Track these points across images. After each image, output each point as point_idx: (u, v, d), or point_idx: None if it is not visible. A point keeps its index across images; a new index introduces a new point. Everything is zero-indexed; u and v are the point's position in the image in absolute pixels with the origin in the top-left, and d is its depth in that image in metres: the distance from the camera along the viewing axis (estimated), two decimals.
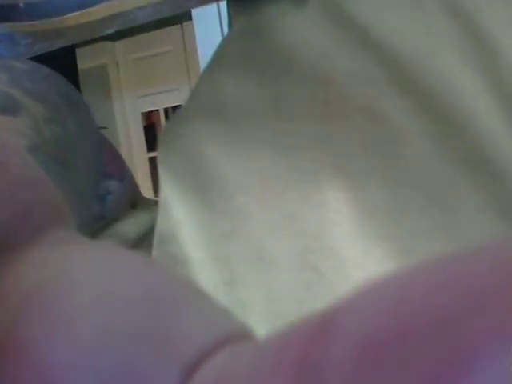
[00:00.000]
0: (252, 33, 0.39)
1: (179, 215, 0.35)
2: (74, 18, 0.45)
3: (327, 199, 0.32)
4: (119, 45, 2.05)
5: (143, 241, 0.41)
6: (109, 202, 0.42)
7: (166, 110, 2.13)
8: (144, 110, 2.13)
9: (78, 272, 0.15)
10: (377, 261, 0.31)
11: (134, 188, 0.45)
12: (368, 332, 0.10)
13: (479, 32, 0.33)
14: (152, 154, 2.14)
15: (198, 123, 0.36)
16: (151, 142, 2.16)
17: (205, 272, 0.34)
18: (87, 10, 0.42)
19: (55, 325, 0.14)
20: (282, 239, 0.32)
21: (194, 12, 1.59)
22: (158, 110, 2.13)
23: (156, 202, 0.39)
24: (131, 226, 0.42)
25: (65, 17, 0.44)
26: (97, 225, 0.41)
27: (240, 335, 0.14)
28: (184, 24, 1.97)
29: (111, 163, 0.43)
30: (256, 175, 0.34)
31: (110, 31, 0.47)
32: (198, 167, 0.35)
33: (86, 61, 1.70)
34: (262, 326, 0.31)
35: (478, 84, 0.32)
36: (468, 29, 0.33)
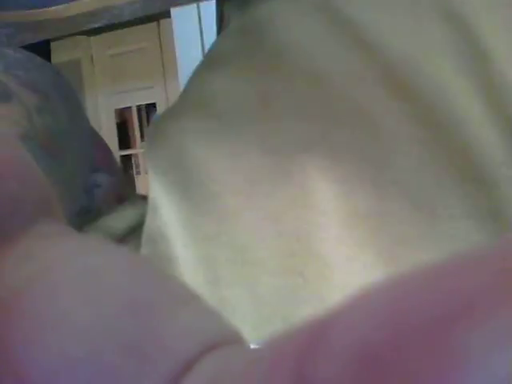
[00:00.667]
0: (245, 32, 0.38)
1: (166, 213, 0.35)
2: (58, 10, 0.45)
3: (315, 202, 0.31)
4: (95, 40, 2.03)
5: (129, 236, 0.40)
6: (96, 195, 0.41)
7: (138, 108, 2.11)
8: (117, 107, 2.11)
9: (63, 272, 0.14)
10: (362, 267, 0.30)
11: (123, 182, 0.45)
12: (361, 345, 0.10)
13: (472, 37, 0.32)
14: (124, 152, 2.12)
15: (186, 120, 0.36)
16: (123, 140, 2.14)
17: (190, 271, 0.33)
18: (74, 2, 0.41)
19: (37, 331, 0.13)
20: (267, 241, 0.32)
21: (173, 10, 1.58)
22: (130, 107, 2.12)
23: (144, 198, 0.38)
24: (118, 220, 0.41)
25: (50, 8, 0.43)
26: (84, 218, 0.41)
27: (230, 340, 0.14)
28: (161, 21, 1.95)
29: (101, 156, 0.43)
30: (242, 175, 0.33)
31: (94, 26, 0.47)
32: (184, 165, 0.34)
33: (59, 55, 1.68)
34: (245, 328, 0.31)
35: (469, 89, 0.32)
36: (462, 33, 0.33)
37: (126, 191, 0.45)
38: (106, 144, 0.45)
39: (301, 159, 0.33)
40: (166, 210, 0.35)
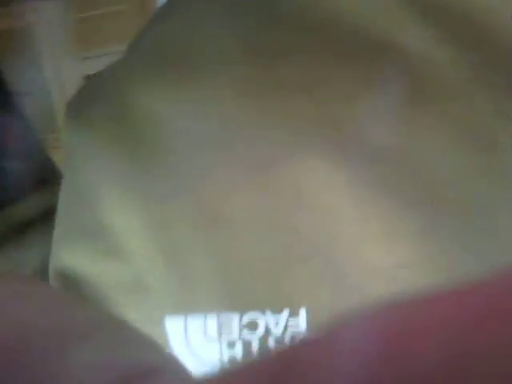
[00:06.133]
0: None
1: (97, 179, 0.30)
2: None
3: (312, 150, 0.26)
4: (52, 3, 1.89)
5: (45, 220, 0.38)
6: (5, 183, 0.40)
7: None
8: (86, 73, 1.98)
9: None
10: (380, 214, 0.25)
11: (43, 165, 0.42)
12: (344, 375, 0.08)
13: None
14: None
15: (134, 69, 0.30)
16: None
17: (134, 243, 0.28)
18: None
19: None
20: (246, 197, 0.26)
21: None
22: None
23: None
24: (26, 207, 0.40)
25: None
26: None
27: (161, 370, 0.12)
28: None
29: (11, 142, 0.42)
30: (214, 123, 0.28)
31: None
32: (130, 118, 0.29)
33: (3, 21, 1.59)
34: (211, 299, 0.27)
35: None
36: None
37: (47, 173, 0.42)
38: (22, 127, 0.43)
39: (295, 107, 0.27)
40: (95, 175, 0.30)
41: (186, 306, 0.27)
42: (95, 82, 0.33)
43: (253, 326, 0.26)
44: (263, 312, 0.26)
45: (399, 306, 0.08)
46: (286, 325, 0.26)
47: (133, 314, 0.28)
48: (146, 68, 0.30)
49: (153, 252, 0.28)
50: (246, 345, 0.26)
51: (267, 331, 0.26)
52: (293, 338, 0.26)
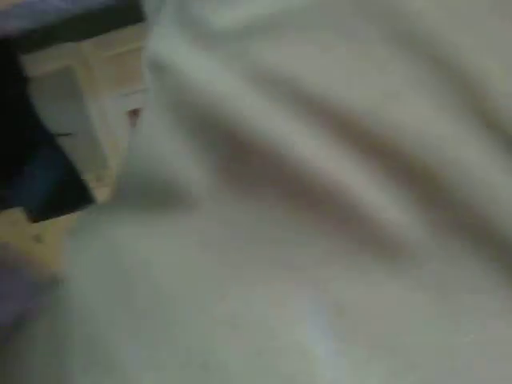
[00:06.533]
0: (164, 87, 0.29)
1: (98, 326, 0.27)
2: None
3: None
4: (88, 44, 1.96)
5: None
6: None
7: None
8: (129, 109, 2.04)
9: None
10: (351, 362, 0.25)
11: None
12: None
13: (451, 65, 0.26)
14: None
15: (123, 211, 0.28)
16: None
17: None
18: None
19: None
20: (231, 340, 0.26)
21: None
22: None
23: None
24: None
25: None
26: None
27: None
28: None
29: None
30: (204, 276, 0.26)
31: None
32: (121, 264, 0.27)
33: (41, 66, 1.63)
34: None
35: (461, 131, 0.25)
36: (436, 62, 0.26)
37: None
38: None
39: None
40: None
41: None
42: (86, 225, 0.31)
43: None
44: None
45: None
46: None
47: None
48: (131, 209, 0.29)
49: None
50: None
51: None
52: None
